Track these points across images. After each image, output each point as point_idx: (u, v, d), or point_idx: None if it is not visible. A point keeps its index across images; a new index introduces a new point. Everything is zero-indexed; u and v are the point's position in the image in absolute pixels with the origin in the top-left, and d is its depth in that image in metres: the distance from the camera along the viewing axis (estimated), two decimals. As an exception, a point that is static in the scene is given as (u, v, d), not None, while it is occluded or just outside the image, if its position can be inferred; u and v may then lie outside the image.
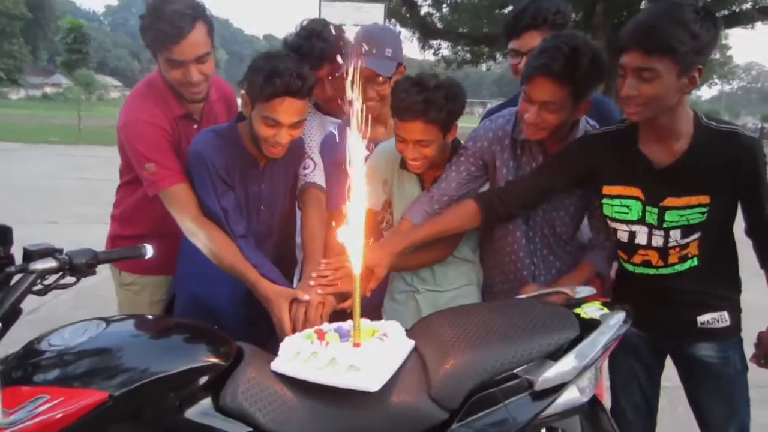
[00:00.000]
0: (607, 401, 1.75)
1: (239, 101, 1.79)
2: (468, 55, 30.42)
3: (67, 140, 16.45)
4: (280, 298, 1.54)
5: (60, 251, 1.30)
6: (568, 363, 1.20)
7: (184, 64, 1.63)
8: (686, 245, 1.49)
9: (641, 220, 1.50)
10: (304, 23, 1.90)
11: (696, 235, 1.47)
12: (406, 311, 1.81)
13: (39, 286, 1.26)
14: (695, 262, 1.51)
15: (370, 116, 1.59)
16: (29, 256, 1.25)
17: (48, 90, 50.08)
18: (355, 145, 1.26)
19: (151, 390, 1.09)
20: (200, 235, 1.61)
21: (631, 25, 1.34)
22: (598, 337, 1.26)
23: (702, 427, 1.64)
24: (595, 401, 1.34)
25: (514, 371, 1.21)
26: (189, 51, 1.61)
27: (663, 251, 1.50)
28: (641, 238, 1.51)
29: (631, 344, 1.64)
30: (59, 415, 1.01)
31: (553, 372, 1.19)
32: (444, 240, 1.74)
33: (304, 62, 1.61)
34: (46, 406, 1.02)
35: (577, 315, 1.33)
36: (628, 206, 1.51)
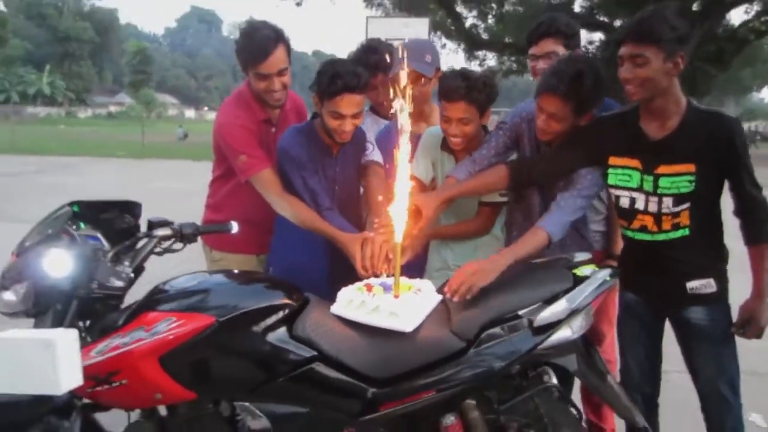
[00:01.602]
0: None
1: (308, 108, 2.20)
2: (514, 65, 30.42)
3: (132, 155, 17.63)
4: (353, 242, 1.87)
5: (171, 222, 1.72)
6: (560, 305, 1.51)
7: (269, 76, 2.04)
8: (678, 214, 1.72)
9: (640, 188, 1.74)
10: (364, 42, 2.36)
11: (686, 205, 1.70)
12: (439, 285, 2.16)
13: (158, 249, 1.69)
14: (686, 231, 1.73)
15: (413, 112, 1.99)
16: (152, 225, 1.68)
17: (112, 108, 52.95)
18: (403, 133, 1.59)
19: (244, 318, 1.47)
20: (286, 207, 2.02)
21: (626, 23, 1.67)
22: (586, 287, 1.56)
23: (696, 383, 1.85)
24: (588, 344, 1.64)
25: (518, 312, 1.53)
26: (273, 66, 2.02)
27: (657, 217, 1.74)
28: (639, 204, 1.75)
29: (632, 309, 1.91)
30: (182, 332, 1.42)
31: (549, 312, 1.51)
32: (484, 214, 2.11)
33: (360, 66, 2.00)
34: (173, 325, 1.42)
35: (574, 274, 1.63)
36: (629, 175, 1.76)
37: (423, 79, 2.15)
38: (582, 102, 1.78)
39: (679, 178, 1.69)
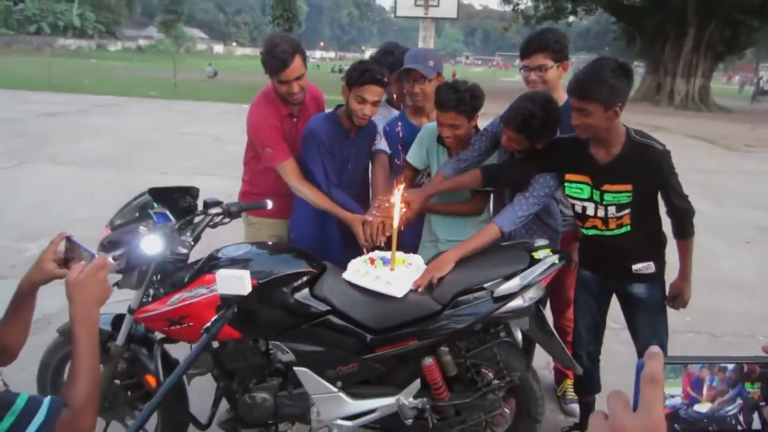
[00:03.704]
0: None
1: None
2: (551, 9, 29.49)
3: (164, 95, 18.12)
4: (355, 221, 2.41)
5: (221, 202, 2.20)
6: (515, 282, 1.96)
7: (289, 82, 2.49)
8: (620, 217, 2.14)
9: (590, 198, 2.16)
10: (383, 45, 2.87)
11: (626, 211, 2.12)
12: (430, 254, 2.62)
13: (212, 224, 2.18)
14: (628, 228, 2.16)
15: (416, 108, 2.66)
16: (206, 205, 2.17)
17: (141, 42, 53.04)
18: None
19: (277, 281, 1.98)
20: (303, 190, 2.53)
21: (572, 80, 2.00)
22: (536, 268, 1.99)
23: (635, 343, 2.31)
24: (539, 311, 2.11)
25: (483, 285, 1.99)
26: (291, 74, 2.47)
27: (604, 220, 2.17)
28: (590, 211, 2.18)
29: (586, 284, 2.35)
30: None
31: (506, 287, 1.96)
32: (476, 198, 2.55)
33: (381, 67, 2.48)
34: None
35: (532, 256, 2.08)
36: (581, 188, 2.17)
37: (425, 79, 2.58)
38: (533, 136, 2.17)
39: (619, 194, 2.10)
